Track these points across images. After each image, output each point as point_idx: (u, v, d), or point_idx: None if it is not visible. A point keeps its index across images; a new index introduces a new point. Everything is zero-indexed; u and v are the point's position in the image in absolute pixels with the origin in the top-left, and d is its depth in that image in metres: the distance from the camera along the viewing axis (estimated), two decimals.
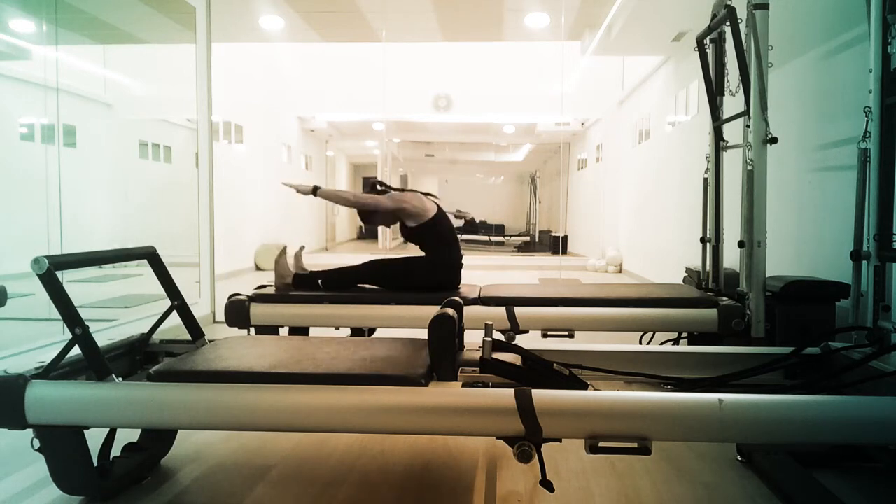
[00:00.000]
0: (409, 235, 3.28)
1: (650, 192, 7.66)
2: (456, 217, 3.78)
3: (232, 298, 3.00)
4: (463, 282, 3.28)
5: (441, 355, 1.74)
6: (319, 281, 3.16)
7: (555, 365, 1.82)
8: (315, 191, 3.17)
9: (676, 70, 6.67)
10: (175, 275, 2.21)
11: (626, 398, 1.57)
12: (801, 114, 3.65)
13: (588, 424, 1.54)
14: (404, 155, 15.41)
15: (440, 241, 3.22)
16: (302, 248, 3.39)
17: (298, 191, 3.21)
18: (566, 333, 2.83)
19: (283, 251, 3.22)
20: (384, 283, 3.18)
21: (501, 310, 2.87)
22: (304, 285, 3.17)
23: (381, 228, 12.65)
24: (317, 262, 11.31)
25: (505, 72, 9.99)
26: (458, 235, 3.29)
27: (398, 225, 3.36)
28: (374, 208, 3.21)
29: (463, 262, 3.28)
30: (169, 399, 1.66)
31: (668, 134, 6.92)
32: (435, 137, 13.89)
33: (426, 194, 3.32)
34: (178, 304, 2.18)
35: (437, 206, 3.28)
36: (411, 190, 3.31)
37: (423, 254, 3.23)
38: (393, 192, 3.25)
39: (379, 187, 3.33)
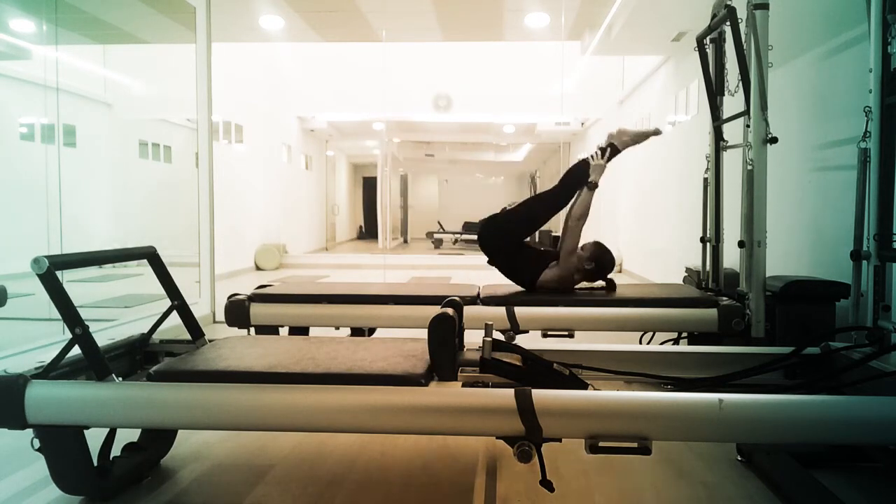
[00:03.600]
0: (539, 267, 3.13)
1: (650, 191, 7.66)
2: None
3: (232, 298, 3.00)
4: (463, 282, 3.27)
5: (441, 355, 1.74)
6: None
7: (555, 365, 1.82)
8: (593, 186, 3.07)
9: (676, 70, 6.67)
10: (175, 275, 2.21)
11: (626, 398, 1.57)
12: (801, 114, 3.65)
13: (588, 424, 1.54)
14: (404, 155, 15.40)
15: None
16: None
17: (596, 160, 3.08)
18: (566, 333, 2.83)
19: None
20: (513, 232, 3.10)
21: (501, 310, 2.87)
22: None
23: (381, 229, 12.65)
24: (316, 261, 11.24)
25: (505, 71, 9.98)
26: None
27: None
28: (570, 246, 3.05)
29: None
30: (169, 399, 1.66)
31: (669, 134, 6.91)
32: (435, 137, 13.89)
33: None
34: (178, 303, 2.18)
35: None
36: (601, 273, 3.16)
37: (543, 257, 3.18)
38: (590, 266, 3.09)
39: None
